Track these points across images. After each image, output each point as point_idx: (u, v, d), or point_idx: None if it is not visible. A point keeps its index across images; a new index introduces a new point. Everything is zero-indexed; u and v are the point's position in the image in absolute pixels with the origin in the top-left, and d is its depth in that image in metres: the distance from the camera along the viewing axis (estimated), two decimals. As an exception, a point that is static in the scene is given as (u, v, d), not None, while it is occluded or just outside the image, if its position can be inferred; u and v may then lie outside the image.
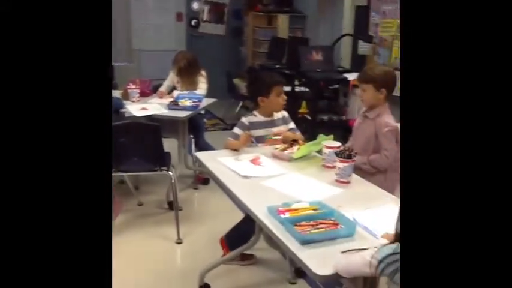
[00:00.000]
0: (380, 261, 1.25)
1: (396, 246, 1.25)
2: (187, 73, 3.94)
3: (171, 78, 4.09)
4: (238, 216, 2.76)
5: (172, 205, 3.39)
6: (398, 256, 1.20)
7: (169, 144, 3.52)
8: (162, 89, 4.06)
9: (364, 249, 1.37)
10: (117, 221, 3.29)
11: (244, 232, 2.55)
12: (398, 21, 4.82)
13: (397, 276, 1.21)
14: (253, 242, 2.46)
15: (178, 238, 3.07)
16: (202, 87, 3.94)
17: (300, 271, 2.65)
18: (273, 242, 2.53)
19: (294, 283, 2.64)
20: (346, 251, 1.40)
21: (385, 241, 1.38)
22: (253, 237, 2.44)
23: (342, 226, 1.62)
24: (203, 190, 3.98)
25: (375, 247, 1.33)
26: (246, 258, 2.79)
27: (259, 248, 2.68)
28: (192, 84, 3.94)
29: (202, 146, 3.91)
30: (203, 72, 4.00)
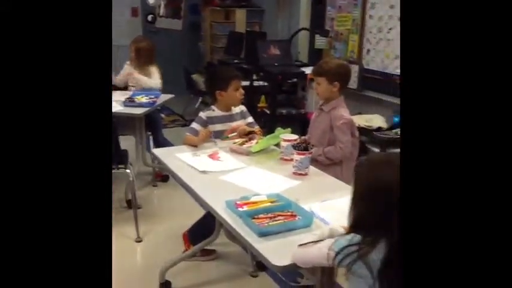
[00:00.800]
0: (337, 253, 1.27)
1: (351, 237, 1.27)
2: (145, 56, 3.83)
3: (126, 70, 3.98)
4: (199, 213, 2.74)
5: (131, 203, 3.33)
6: (354, 247, 1.23)
7: (127, 142, 3.45)
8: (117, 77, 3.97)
9: (321, 240, 1.38)
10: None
11: (206, 227, 2.54)
12: (354, 15, 4.91)
13: (355, 266, 1.24)
14: (213, 237, 2.45)
15: (138, 236, 3.02)
16: (156, 77, 3.86)
17: (261, 264, 2.67)
18: (234, 236, 2.54)
19: (255, 276, 2.66)
20: (303, 244, 1.40)
21: (342, 230, 1.41)
22: (214, 233, 2.43)
23: (300, 217, 1.64)
24: (162, 187, 3.93)
25: (332, 238, 1.35)
26: (207, 254, 2.78)
27: (220, 243, 2.67)
28: (145, 72, 3.85)
29: (161, 143, 3.85)
30: (156, 68, 3.94)
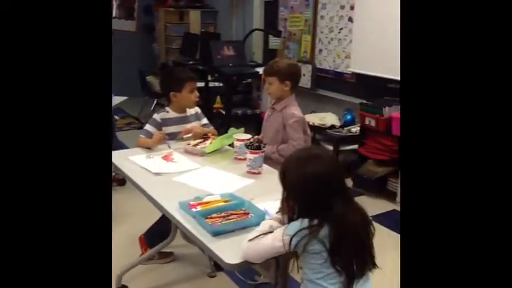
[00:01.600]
0: (293, 236, 1.37)
1: (300, 222, 1.39)
2: None
3: None
4: (156, 216, 2.72)
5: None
6: (306, 230, 1.36)
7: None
8: None
9: (269, 232, 1.45)
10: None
11: (162, 229, 2.53)
12: (306, 15, 5.01)
13: (309, 247, 1.36)
14: (170, 240, 2.45)
15: (94, 242, 2.97)
16: None
17: (219, 264, 2.68)
18: (190, 238, 2.55)
19: (213, 276, 2.67)
20: (252, 238, 1.45)
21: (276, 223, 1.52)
22: (170, 235, 2.43)
23: (252, 215, 1.66)
24: (119, 191, 3.86)
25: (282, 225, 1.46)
26: (165, 256, 2.77)
27: (177, 245, 2.67)
28: None
29: (116, 146, 3.79)
30: None
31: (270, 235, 1.43)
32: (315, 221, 1.38)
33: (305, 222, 1.39)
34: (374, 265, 1.44)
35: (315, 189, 1.39)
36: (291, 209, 1.44)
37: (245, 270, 2.58)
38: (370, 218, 1.48)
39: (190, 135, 2.58)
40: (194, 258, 2.81)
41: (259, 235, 1.45)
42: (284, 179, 1.47)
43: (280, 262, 1.72)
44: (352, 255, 1.38)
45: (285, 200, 1.46)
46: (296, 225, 1.40)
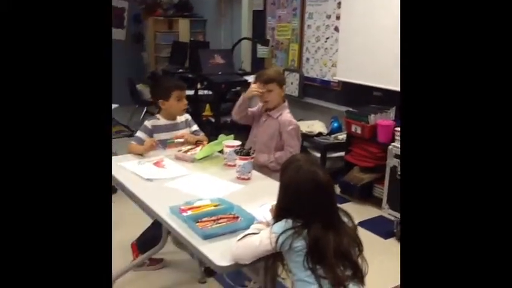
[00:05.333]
0: (280, 234, 1.44)
1: (284, 222, 1.47)
2: None
3: None
4: (146, 222, 2.76)
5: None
6: (291, 230, 1.44)
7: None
8: None
9: (256, 233, 1.52)
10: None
11: (154, 236, 2.56)
12: (293, 24, 5.09)
13: (294, 244, 1.43)
14: (160, 246, 2.49)
15: (84, 249, 2.98)
16: None
17: (209, 270, 2.72)
18: (181, 243, 2.58)
19: (204, 282, 2.70)
20: (241, 237, 1.52)
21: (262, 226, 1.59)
22: (161, 241, 2.47)
23: (242, 219, 1.71)
24: (109, 199, 3.89)
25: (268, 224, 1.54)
26: (156, 262, 2.80)
27: (168, 251, 2.71)
28: None
29: None
30: None
31: (257, 235, 1.50)
32: (299, 222, 1.45)
33: (289, 222, 1.46)
34: (362, 279, 1.49)
35: (308, 191, 1.46)
36: (280, 206, 1.52)
37: (235, 275, 2.62)
38: (359, 239, 1.53)
39: (181, 140, 2.62)
40: (184, 264, 2.84)
41: (247, 234, 1.51)
42: (283, 174, 1.55)
43: (268, 266, 1.77)
44: (329, 264, 1.43)
45: (279, 198, 1.54)
46: (280, 225, 1.47)
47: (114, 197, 3.86)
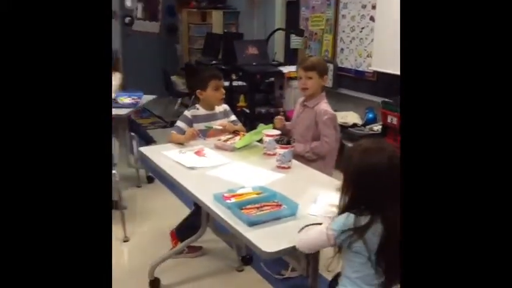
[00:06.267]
0: (341, 232, 1.39)
1: (346, 217, 1.39)
2: None
3: None
4: (183, 212, 2.81)
5: (116, 204, 3.36)
6: (353, 230, 1.37)
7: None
8: None
9: (317, 224, 1.50)
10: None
11: (192, 224, 2.61)
12: (327, 15, 5.05)
13: (353, 246, 1.38)
14: (200, 233, 2.53)
15: (125, 236, 3.07)
16: (111, 84, 3.96)
17: (246, 259, 2.75)
18: (220, 232, 2.62)
19: (241, 270, 2.73)
20: (303, 227, 1.51)
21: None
22: (200, 229, 2.51)
23: (285, 207, 1.73)
24: (146, 188, 3.97)
25: (330, 217, 1.48)
26: (194, 250, 2.85)
27: (207, 239, 2.74)
28: None
29: (148, 137, 3.97)
30: (117, 74, 4.02)
31: (317, 227, 1.47)
32: (362, 220, 1.37)
33: (351, 218, 1.38)
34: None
35: (372, 182, 1.37)
36: (344, 198, 1.44)
37: (272, 264, 2.65)
38: None
39: (220, 127, 2.65)
40: (222, 252, 2.88)
41: (308, 225, 1.50)
42: (345, 166, 1.46)
43: (310, 255, 1.78)
44: (396, 260, 1.27)
45: (342, 189, 1.46)
46: (341, 221, 1.40)
47: (151, 186, 3.97)
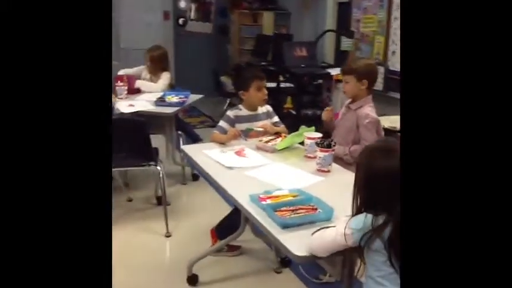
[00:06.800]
0: (356, 232, 1.38)
1: (364, 216, 1.39)
2: (158, 63, 4.07)
3: (140, 71, 4.21)
4: (225, 210, 2.83)
5: (160, 200, 3.45)
6: (369, 226, 1.37)
7: (158, 141, 3.58)
8: (132, 70, 4.20)
9: (332, 226, 1.48)
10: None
11: (232, 223, 2.62)
12: (379, 16, 4.93)
13: (371, 244, 1.37)
14: (239, 233, 2.54)
15: (167, 232, 3.13)
16: (160, 82, 4.06)
17: (285, 261, 2.74)
18: (259, 232, 2.62)
19: (279, 272, 2.72)
20: (316, 230, 1.49)
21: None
22: (239, 228, 2.52)
23: (320, 211, 1.70)
24: (191, 185, 4.05)
25: (346, 217, 1.46)
26: (233, 249, 2.86)
27: (246, 239, 2.76)
28: (158, 77, 4.09)
29: (195, 135, 4.07)
30: (167, 73, 4.11)
31: (333, 228, 1.45)
32: (380, 219, 1.37)
33: (369, 218, 1.39)
34: None
35: (383, 184, 1.37)
36: (358, 200, 1.45)
37: (310, 268, 2.62)
38: None
39: (261, 129, 2.65)
40: (261, 253, 2.88)
41: (323, 228, 1.48)
42: (357, 169, 1.48)
43: (346, 259, 1.74)
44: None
45: (355, 191, 1.47)
46: (360, 219, 1.40)
47: (195, 184, 4.04)
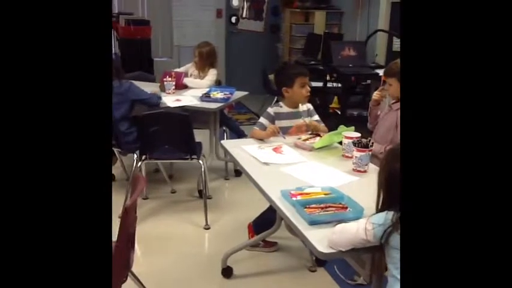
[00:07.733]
0: (377, 226, 1.41)
1: (385, 213, 1.42)
2: (206, 60, 4.14)
3: (187, 69, 4.29)
4: (265, 206, 2.86)
5: (201, 193, 3.54)
6: (390, 222, 1.40)
7: (203, 136, 3.66)
8: (181, 69, 4.28)
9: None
10: (150, 206, 3.51)
11: (269, 219, 2.64)
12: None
13: (391, 238, 1.39)
14: (274, 229, 2.55)
15: (206, 224, 3.21)
16: (207, 79, 4.12)
17: (320, 260, 2.73)
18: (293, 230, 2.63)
19: (314, 271, 2.72)
20: (338, 223, 1.53)
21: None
22: (275, 224, 2.54)
23: (350, 209, 1.69)
24: (233, 181, 4.11)
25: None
26: (269, 245, 2.89)
27: (282, 236, 2.77)
28: (206, 73, 4.16)
29: (241, 131, 4.16)
30: (214, 70, 4.17)
31: (355, 222, 1.48)
32: (399, 215, 1.39)
33: (390, 214, 1.41)
34: None
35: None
36: (380, 198, 1.49)
37: (345, 268, 2.59)
38: None
39: (304, 122, 2.67)
40: (296, 251, 2.89)
41: (341, 223, 1.51)
42: (380, 169, 1.53)
43: (375, 260, 1.73)
44: None
45: (378, 190, 1.52)
46: (381, 216, 1.43)
47: (238, 180, 4.09)
